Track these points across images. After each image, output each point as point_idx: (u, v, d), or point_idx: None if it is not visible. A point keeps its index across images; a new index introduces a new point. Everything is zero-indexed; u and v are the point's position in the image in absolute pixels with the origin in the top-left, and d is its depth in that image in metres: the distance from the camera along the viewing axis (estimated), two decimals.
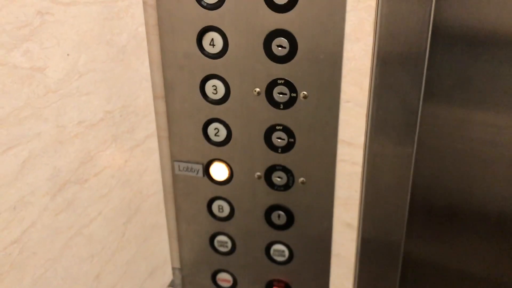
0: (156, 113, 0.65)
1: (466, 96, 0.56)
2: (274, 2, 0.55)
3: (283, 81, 0.59)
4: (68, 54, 0.46)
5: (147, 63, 0.60)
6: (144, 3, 0.59)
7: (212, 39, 0.59)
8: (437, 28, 0.53)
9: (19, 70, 0.40)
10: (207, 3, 0.58)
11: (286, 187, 0.64)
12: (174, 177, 0.68)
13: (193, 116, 0.64)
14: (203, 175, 0.66)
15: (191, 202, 0.69)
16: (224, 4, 0.57)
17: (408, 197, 0.62)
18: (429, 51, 0.54)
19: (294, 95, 0.59)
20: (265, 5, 0.56)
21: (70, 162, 0.47)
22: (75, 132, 0.48)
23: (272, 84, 0.59)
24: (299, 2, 0.55)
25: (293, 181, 0.63)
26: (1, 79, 0.39)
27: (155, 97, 0.64)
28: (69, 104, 0.47)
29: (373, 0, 0.52)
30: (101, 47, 0.51)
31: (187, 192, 0.69)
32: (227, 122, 0.63)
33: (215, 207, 0.69)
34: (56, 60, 0.44)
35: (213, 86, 0.62)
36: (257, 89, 0.60)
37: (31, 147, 0.42)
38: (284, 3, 0.55)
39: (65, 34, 0.45)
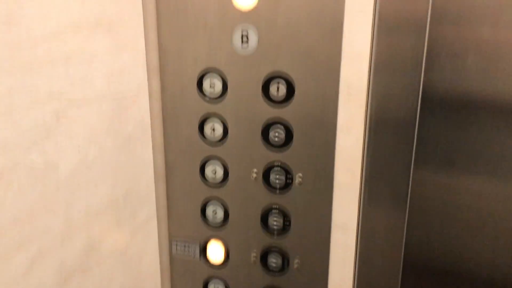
0: (157, 193, 0.67)
1: (454, 162, 0.58)
2: (271, 95, 0.59)
3: (279, 166, 0.62)
4: (79, 149, 0.49)
5: (150, 148, 0.63)
6: (150, 92, 0.63)
7: (213, 126, 0.63)
8: (426, 97, 0.56)
9: (35, 169, 0.43)
10: (209, 94, 0.61)
11: (281, 270, 0.65)
12: (171, 257, 0.70)
13: (192, 197, 0.66)
14: (200, 257, 0.68)
15: (187, 282, 0.71)
16: (225, 96, 0.61)
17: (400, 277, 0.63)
18: (419, 121, 0.57)
19: (290, 179, 0.62)
20: (263, 98, 0.60)
21: (76, 252, 0.49)
22: (81, 223, 0.50)
23: (269, 168, 0.62)
24: (294, 96, 0.59)
25: (288, 264, 0.65)
26: (17, 179, 0.41)
27: (156, 178, 0.67)
28: (77, 196, 0.49)
29: (363, 94, 0.57)
30: (109, 138, 0.54)
31: (183, 272, 0.70)
32: (225, 202, 0.66)
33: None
34: (68, 155, 0.47)
35: (212, 169, 0.65)
36: (255, 173, 0.63)
37: (41, 243, 0.44)
38: (281, 97, 0.59)
39: (78, 130, 0.48)
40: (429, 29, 0.53)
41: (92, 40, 0.49)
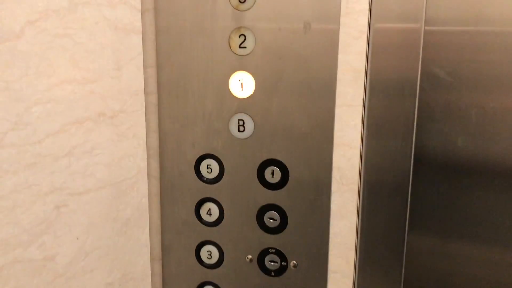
0: (152, 274, 0.67)
1: (446, 226, 0.58)
2: (266, 180, 0.61)
3: (274, 250, 0.63)
4: (77, 238, 0.50)
5: (147, 230, 0.65)
6: (149, 175, 0.65)
7: (209, 209, 0.64)
8: (419, 159, 0.57)
9: (33, 263, 0.44)
10: (206, 178, 0.63)
11: None
12: None
13: (188, 279, 0.67)
14: None
15: None
16: (221, 180, 0.63)
17: None
18: (412, 182, 0.57)
19: (285, 264, 0.63)
20: (259, 183, 0.62)
21: None
22: None
23: (264, 252, 0.63)
24: (289, 182, 0.61)
25: None
26: (15, 274, 0.42)
27: (152, 259, 0.67)
28: (73, 284, 0.50)
29: (355, 184, 0.58)
30: (107, 224, 0.55)
31: None
32: (220, 286, 0.66)
33: None
34: (66, 246, 0.48)
35: (208, 251, 0.65)
36: (250, 256, 0.64)
37: None
38: (276, 182, 0.61)
39: (76, 220, 0.50)
40: (419, 96, 0.55)
41: (94, 131, 0.52)
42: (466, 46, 0.54)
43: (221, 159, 0.63)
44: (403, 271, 0.60)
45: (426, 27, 0.54)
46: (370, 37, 0.55)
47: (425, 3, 0.53)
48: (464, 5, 0.53)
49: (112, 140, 0.55)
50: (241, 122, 0.61)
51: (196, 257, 0.66)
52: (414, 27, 0.54)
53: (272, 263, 0.63)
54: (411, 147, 0.57)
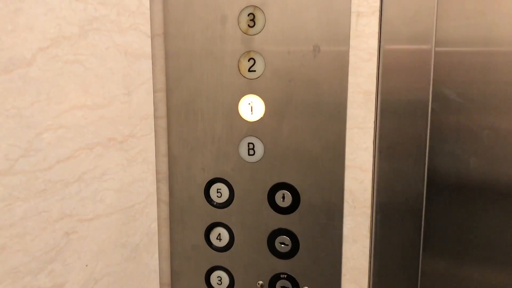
0: None
1: (461, 248, 0.57)
2: (277, 204, 0.60)
3: (285, 276, 0.62)
4: (86, 265, 0.49)
5: (156, 255, 0.64)
6: (158, 200, 0.64)
7: (219, 234, 0.63)
8: (432, 181, 0.56)
9: None
10: (216, 202, 0.63)
11: None
12: None
13: None
14: None
15: None
16: (232, 204, 0.62)
17: None
18: (426, 204, 0.56)
19: None
20: (269, 207, 0.61)
21: None
22: None
23: (275, 278, 0.62)
24: (300, 206, 0.60)
25: None
26: None
27: (161, 284, 0.66)
28: None
29: (367, 207, 0.58)
30: (116, 250, 0.54)
31: None
32: None
33: None
34: (75, 273, 0.48)
35: (218, 277, 0.64)
36: (261, 282, 0.63)
37: None
38: (287, 206, 0.60)
39: (86, 247, 0.49)
40: (431, 117, 0.54)
41: (104, 157, 0.52)
42: (477, 66, 0.53)
43: (231, 183, 0.62)
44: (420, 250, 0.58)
45: (437, 48, 0.53)
46: (380, 59, 0.55)
47: (435, 24, 0.53)
48: (474, 26, 0.53)
49: (122, 165, 0.55)
50: (251, 146, 0.60)
51: (206, 283, 0.65)
52: (424, 49, 0.54)
53: None
54: (424, 169, 0.56)
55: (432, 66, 0.54)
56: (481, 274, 0.57)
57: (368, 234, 0.58)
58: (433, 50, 0.53)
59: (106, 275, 0.53)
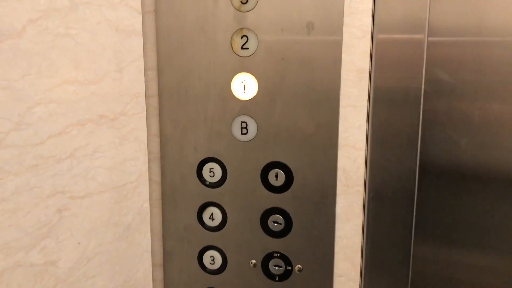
0: (154, 280, 0.66)
1: (453, 229, 0.57)
2: (270, 183, 0.60)
3: (278, 255, 0.62)
4: (79, 243, 0.49)
5: (149, 235, 0.63)
6: (150, 180, 0.63)
7: (212, 214, 0.63)
8: (425, 159, 0.56)
9: (34, 267, 0.43)
10: (209, 182, 0.62)
11: None
12: None
13: (190, 285, 0.65)
14: None
15: None
16: (224, 183, 0.62)
17: None
18: (418, 183, 0.57)
19: (289, 268, 0.62)
20: (262, 186, 0.61)
21: None
22: None
23: (268, 257, 0.62)
24: (293, 184, 0.60)
25: None
26: (16, 279, 0.41)
27: (153, 265, 0.66)
28: None
29: (360, 186, 0.58)
30: (109, 229, 0.54)
31: None
32: None
33: None
34: (68, 251, 0.47)
35: (211, 257, 0.64)
36: (253, 261, 0.63)
37: None
38: (280, 185, 0.60)
39: (78, 225, 0.49)
40: (423, 103, 0.55)
41: (96, 134, 0.51)
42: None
43: (224, 163, 0.62)
44: (410, 274, 0.59)
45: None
46: (374, 36, 0.54)
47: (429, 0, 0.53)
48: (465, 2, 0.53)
49: (114, 143, 0.54)
50: (244, 125, 0.60)
51: (199, 263, 0.65)
52: (419, 24, 0.53)
53: (276, 268, 0.62)
54: (417, 148, 0.56)
55: (426, 43, 0.54)
56: (472, 252, 0.58)
57: (361, 212, 0.59)
58: (427, 26, 0.53)
59: (99, 254, 0.52)
